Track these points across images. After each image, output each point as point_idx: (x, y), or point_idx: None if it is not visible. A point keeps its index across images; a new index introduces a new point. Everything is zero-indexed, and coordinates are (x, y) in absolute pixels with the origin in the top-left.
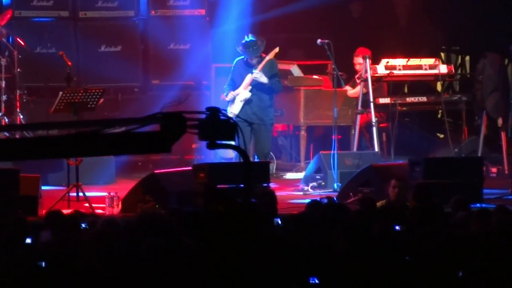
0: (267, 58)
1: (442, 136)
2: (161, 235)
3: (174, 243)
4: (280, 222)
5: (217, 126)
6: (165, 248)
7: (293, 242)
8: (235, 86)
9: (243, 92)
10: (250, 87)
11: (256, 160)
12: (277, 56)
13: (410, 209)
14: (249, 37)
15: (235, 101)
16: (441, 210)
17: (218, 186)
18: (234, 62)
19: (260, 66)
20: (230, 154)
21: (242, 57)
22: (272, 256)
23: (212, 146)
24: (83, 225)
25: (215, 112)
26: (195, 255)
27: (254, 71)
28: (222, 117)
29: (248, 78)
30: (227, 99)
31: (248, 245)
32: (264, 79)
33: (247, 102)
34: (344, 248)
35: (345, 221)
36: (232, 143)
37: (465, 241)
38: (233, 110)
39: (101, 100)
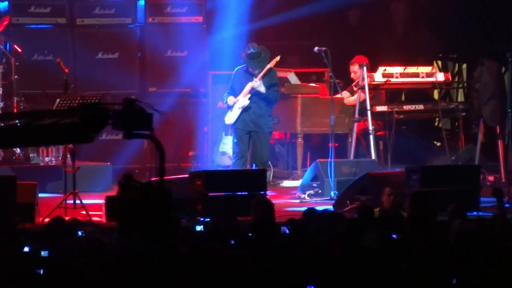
0: (268, 66)
1: (439, 144)
2: (155, 242)
3: (168, 250)
4: (287, 231)
5: (132, 117)
6: (158, 255)
7: (290, 249)
8: (235, 94)
9: (242, 100)
10: (249, 95)
11: (254, 168)
12: (277, 64)
13: (406, 217)
14: (254, 48)
15: (234, 108)
16: (435, 218)
17: (214, 193)
18: (235, 71)
19: (260, 74)
20: (226, 162)
21: (243, 65)
22: (269, 264)
23: (128, 136)
24: (80, 233)
25: (130, 103)
26: (188, 262)
27: (254, 79)
28: (137, 108)
29: (248, 86)
30: (228, 103)
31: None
32: (262, 89)
33: (245, 109)
34: (341, 256)
35: (341, 229)
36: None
37: (459, 249)
38: (230, 117)
39: None
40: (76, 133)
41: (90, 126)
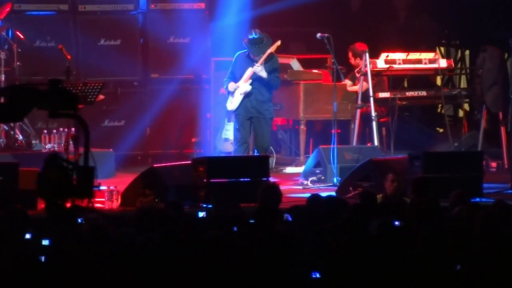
0: (269, 51)
1: (441, 130)
2: (159, 229)
3: (170, 238)
4: (290, 218)
5: (57, 97)
6: (160, 243)
7: (294, 236)
8: (235, 79)
9: (243, 85)
10: (250, 81)
11: (256, 154)
12: (278, 49)
13: (409, 204)
14: (256, 34)
15: (235, 94)
16: (437, 205)
17: (217, 180)
18: (236, 56)
19: (262, 59)
20: (229, 148)
21: (244, 50)
22: (274, 251)
23: (53, 115)
24: (79, 220)
25: (54, 83)
26: (190, 250)
27: (255, 64)
28: (62, 89)
29: (249, 72)
30: (229, 89)
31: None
32: (263, 74)
33: (247, 95)
34: (345, 243)
35: (344, 215)
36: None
37: (462, 235)
38: (232, 103)
39: (102, 97)
40: (4, 113)
41: (17, 106)
